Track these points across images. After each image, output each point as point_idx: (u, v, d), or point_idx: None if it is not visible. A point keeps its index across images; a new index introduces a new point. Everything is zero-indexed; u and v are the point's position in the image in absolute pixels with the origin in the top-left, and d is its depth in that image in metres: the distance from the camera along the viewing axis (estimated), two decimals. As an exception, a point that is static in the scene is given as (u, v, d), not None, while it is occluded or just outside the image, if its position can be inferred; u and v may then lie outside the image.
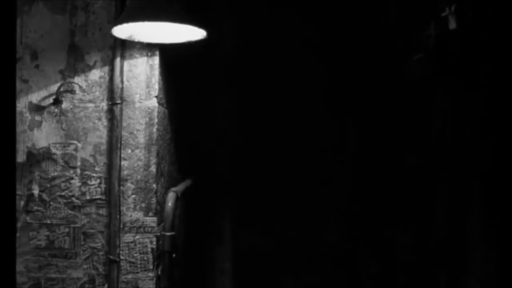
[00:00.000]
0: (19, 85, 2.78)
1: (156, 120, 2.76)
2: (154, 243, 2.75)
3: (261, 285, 3.84)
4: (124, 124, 2.76)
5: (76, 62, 2.77)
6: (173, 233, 2.79)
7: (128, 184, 2.76)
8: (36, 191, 2.76)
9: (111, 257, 2.73)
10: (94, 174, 2.76)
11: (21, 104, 2.78)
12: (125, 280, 2.74)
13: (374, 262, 3.84)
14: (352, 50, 3.81)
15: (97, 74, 2.77)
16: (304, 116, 3.87)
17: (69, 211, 2.76)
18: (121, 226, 2.74)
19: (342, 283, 3.90)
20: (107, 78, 2.76)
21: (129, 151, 2.76)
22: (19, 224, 2.76)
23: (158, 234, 2.77)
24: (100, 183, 2.76)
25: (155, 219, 2.75)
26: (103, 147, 2.76)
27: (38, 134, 2.78)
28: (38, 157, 2.77)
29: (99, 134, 2.77)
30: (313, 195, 3.87)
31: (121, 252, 2.74)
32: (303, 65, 3.85)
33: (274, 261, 3.87)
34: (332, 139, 3.88)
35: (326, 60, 3.83)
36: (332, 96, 3.87)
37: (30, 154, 2.78)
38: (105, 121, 2.76)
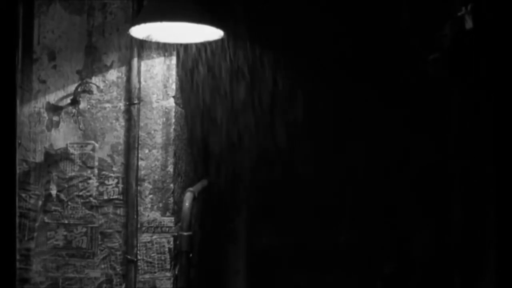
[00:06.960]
0: (36, 85, 2.79)
1: (173, 120, 2.77)
2: (172, 243, 2.75)
3: (274, 285, 3.84)
4: (142, 124, 2.77)
5: (93, 63, 2.78)
6: (190, 233, 2.79)
7: (146, 184, 2.76)
8: (54, 191, 2.77)
9: (129, 257, 2.73)
10: (112, 174, 2.77)
11: (39, 105, 2.79)
12: (142, 280, 2.75)
13: (387, 262, 3.84)
14: (363, 49, 3.80)
15: (114, 74, 2.78)
16: (314, 115, 3.87)
17: (87, 211, 2.77)
18: (139, 226, 2.75)
19: (354, 283, 3.89)
20: (125, 78, 2.77)
21: (147, 151, 2.77)
22: (37, 224, 2.77)
23: (175, 234, 2.77)
24: (117, 183, 2.77)
25: (172, 219, 2.76)
26: (121, 147, 2.77)
27: (55, 134, 2.79)
28: (56, 157, 2.78)
29: (117, 134, 2.77)
30: (326, 194, 3.87)
31: (138, 252, 2.75)
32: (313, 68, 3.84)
33: (287, 261, 3.87)
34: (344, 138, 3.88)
35: (335, 59, 3.82)
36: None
37: (47, 154, 2.78)
38: (122, 121, 2.77)
